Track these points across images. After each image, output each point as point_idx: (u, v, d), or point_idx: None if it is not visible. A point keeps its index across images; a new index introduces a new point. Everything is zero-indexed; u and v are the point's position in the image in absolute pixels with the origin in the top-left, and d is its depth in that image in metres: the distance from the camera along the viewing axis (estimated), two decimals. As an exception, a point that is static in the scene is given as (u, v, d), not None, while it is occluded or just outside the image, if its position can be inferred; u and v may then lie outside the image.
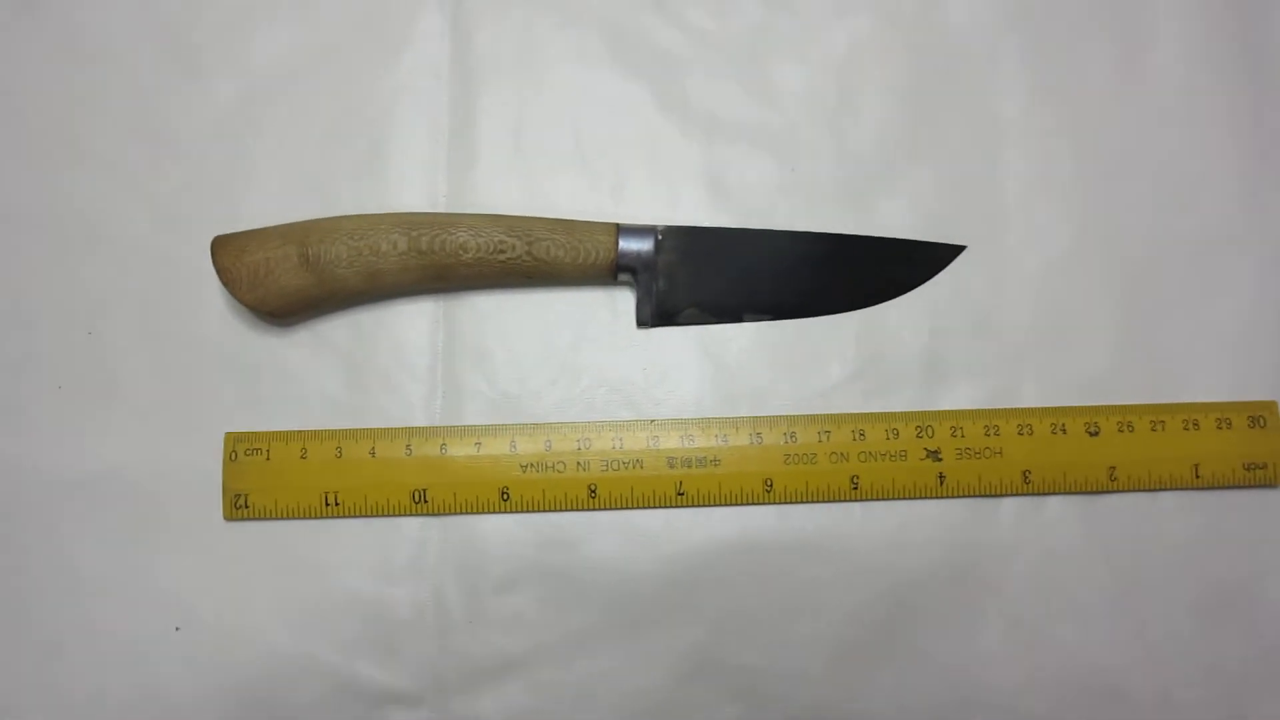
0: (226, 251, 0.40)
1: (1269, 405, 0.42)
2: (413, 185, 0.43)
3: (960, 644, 0.41)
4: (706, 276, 0.42)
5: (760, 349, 0.42)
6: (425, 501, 0.40)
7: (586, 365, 0.42)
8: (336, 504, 0.40)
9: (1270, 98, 0.44)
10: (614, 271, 0.41)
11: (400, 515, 0.40)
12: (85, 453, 0.41)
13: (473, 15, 0.44)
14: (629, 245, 0.41)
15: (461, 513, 0.41)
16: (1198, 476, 0.41)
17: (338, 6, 0.44)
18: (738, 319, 0.42)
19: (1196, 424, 0.42)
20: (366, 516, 0.40)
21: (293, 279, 0.39)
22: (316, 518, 0.40)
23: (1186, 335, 0.43)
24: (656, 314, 0.42)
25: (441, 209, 0.43)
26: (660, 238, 0.41)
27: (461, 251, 0.40)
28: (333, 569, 0.40)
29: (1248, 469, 0.41)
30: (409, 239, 0.39)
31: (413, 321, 0.42)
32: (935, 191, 0.43)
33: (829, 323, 0.42)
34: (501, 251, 0.40)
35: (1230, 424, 0.42)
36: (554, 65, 0.44)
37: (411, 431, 0.41)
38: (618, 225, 0.41)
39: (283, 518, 0.40)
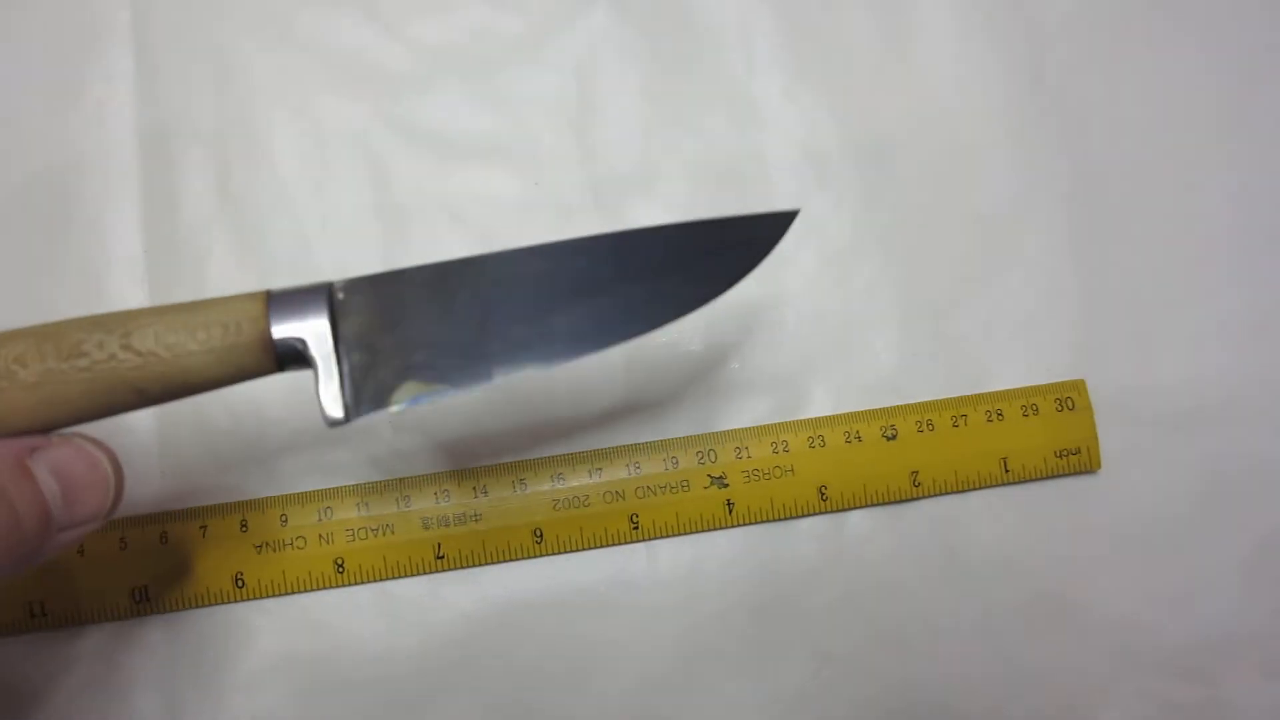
0: None
1: (1077, 385, 0.39)
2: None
3: (770, 686, 0.37)
4: (428, 333, 0.28)
5: (514, 383, 0.38)
6: (148, 600, 0.36)
7: (322, 426, 0.37)
8: (43, 614, 0.35)
9: (1048, 56, 0.41)
10: (275, 362, 0.27)
11: (120, 619, 0.36)
12: None
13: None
14: (288, 323, 0.27)
15: (191, 607, 0.36)
16: (1007, 471, 0.38)
17: None
18: (486, 379, 0.29)
19: (1001, 414, 0.38)
20: (79, 625, 0.35)
21: None
22: (20, 633, 0.35)
23: (980, 319, 0.39)
24: (360, 400, 0.28)
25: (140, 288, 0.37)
26: (342, 296, 0.28)
27: (18, 368, 0.25)
28: (43, 692, 0.35)
29: (1060, 456, 0.38)
30: None
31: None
32: (695, 188, 0.39)
33: (592, 347, 0.38)
34: (82, 355, 0.25)
35: (1037, 410, 0.38)
36: (259, 95, 0.39)
37: (125, 523, 0.36)
38: (268, 293, 0.27)
39: (-20, 638, 0.35)
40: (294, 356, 0.27)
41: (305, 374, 0.28)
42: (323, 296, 0.27)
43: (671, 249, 0.30)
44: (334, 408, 0.27)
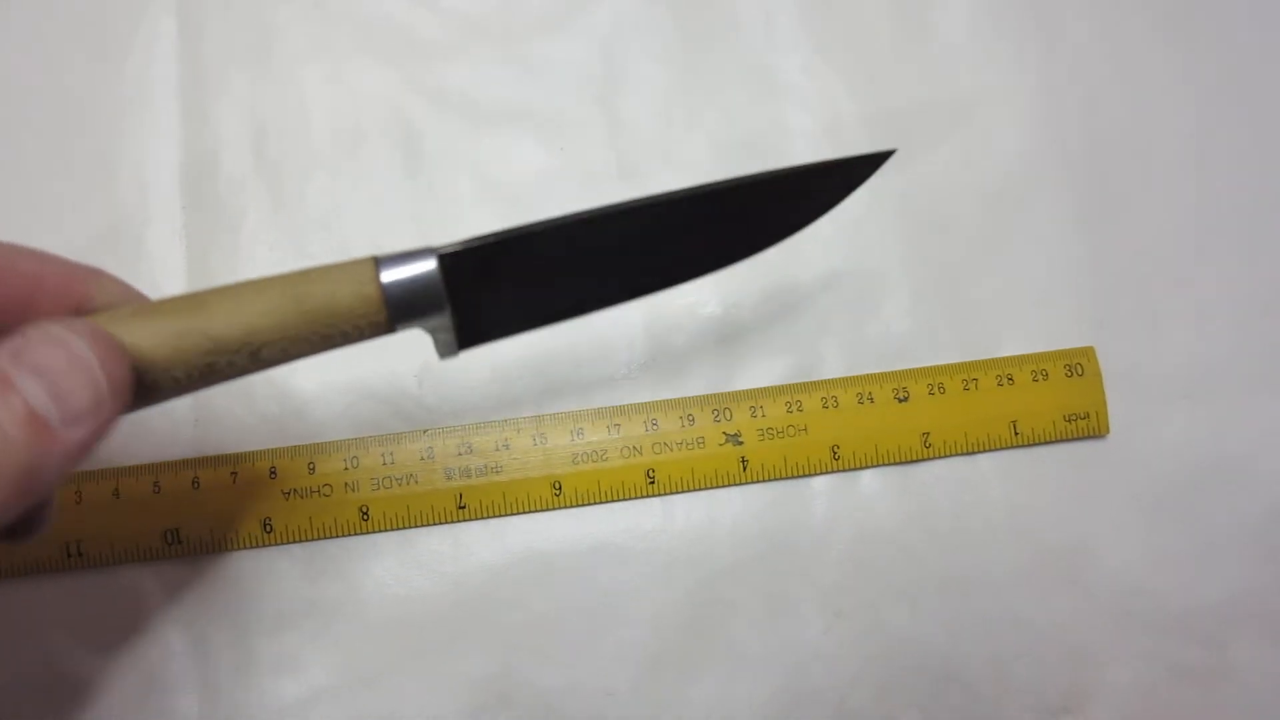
0: None
1: (1085, 352, 0.39)
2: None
3: (781, 640, 0.37)
4: (528, 289, 0.30)
5: (540, 342, 0.39)
6: (179, 542, 0.37)
7: (351, 379, 0.39)
8: (79, 554, 0.37)
9: (1060, 32, 0.42)
10: (390, 327, 0.28)
11: (152, 561, 0.37)
12: None
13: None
14: (399, 292, 0.27)
15: (220, 551, 0.37)
16: (1016, 434, 0.39)
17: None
18: (579, 314, 0.31)
19: (1011, 379, 0.39)
20: (113, 566, 0.37)
21: None
22: (57, 571, 0.37)
23: (992, 287, 0.40)
24: (466, 341, 0.30)
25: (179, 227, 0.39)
26: (449, 263, 0.28)
27: (151, 391, 0.25)
28: (77, 629, 0.36)
29: (1069, 420, 0.39)
30: None
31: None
32: (716, 157, 0.40)
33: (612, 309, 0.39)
34: (213, 372, 0.26)
35: (1047, 375, 0.39)
36: (295, 61, 0.41)
37: (159, 467, 0.37)
38: (375, 260, 0.27)
39: (16, 576, 0.36)
40: (403, 324, 0.28)
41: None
42: (428, 261, 0.27)
43: (758, 200, 0.31)
44: (449, 348, 0.29)
